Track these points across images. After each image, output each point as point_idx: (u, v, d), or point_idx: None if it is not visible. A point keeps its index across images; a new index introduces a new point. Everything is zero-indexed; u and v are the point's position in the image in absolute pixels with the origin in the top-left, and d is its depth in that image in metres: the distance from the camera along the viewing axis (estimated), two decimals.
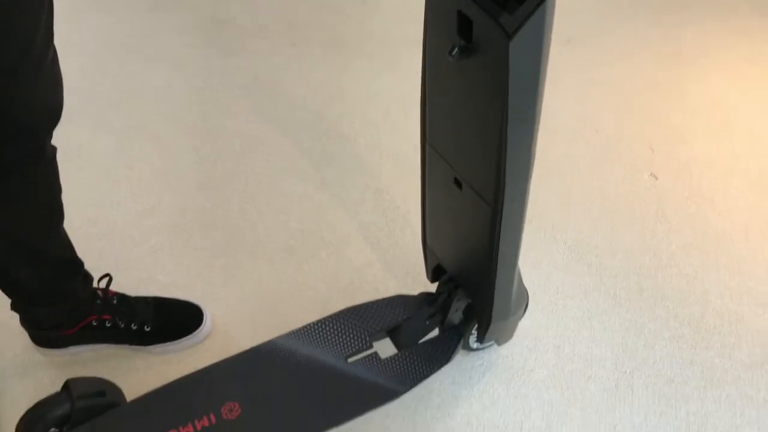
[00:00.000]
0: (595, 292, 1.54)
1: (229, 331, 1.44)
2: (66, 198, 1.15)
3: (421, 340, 1.30)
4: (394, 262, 1.58)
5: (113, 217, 1.66)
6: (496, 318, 1.18)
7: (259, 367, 1.25)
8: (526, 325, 1.47)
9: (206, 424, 1.16)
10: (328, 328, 1.27)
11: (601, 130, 1.94)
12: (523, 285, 1.28)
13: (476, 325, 1.30)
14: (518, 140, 0.86)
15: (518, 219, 1.01)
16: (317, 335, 1.26)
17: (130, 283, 1.43)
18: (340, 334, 1.27)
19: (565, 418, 1.32)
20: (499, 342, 1.34)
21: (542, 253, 1.61)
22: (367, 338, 1.27)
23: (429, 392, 1.35)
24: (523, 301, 1.27)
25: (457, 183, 1.03)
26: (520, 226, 1.03)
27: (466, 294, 1.26)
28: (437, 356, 1.28)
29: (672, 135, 1.94)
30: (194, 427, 1.15)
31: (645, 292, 1.54)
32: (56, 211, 1.14)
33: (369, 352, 1.27)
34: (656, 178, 1.81)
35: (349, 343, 1.26)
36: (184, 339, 1.38)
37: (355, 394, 1.22)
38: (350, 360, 1.26)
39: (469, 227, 1.11)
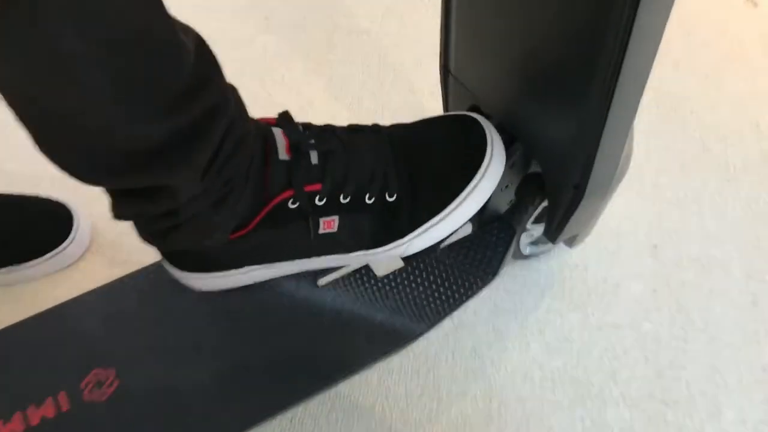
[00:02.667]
0: (698, 162, 0.99)
1: (119, 243, 0.87)
2: None
3: (446, 243, 0.75)
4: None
5: None
6: (593, 192, 0.63)
7: (165, 304, 0.70)
8: (604, 215, 0.92)
9: (49, 413, 0.61)
10: None
11: None
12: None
13: (541, 213, 0.76)
14: None
15: None
16: None
17: None
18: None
19: (680, 361, 0.79)
20: (577, 239, 0.79)
21: None
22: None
23: (456, 329, 0.81)
24: (627, 166, 0.72)
25: None
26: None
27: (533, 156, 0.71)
28: (473, 269, 0.73)
29: None
30: (25, 419, 0.60)
31: None
32: None
33: (357, 265, 0.73)
34: (755, 5, 1.24)
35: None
36: (40, 259, 0.81)
37: (335, 344, 0.68)
38: (321, 282, 0.72)
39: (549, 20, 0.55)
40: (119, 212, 0.56)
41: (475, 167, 0.66)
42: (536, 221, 0.78)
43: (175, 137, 0.49)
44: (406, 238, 0.68)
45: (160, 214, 0.56)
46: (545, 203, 0.74)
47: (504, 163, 0.68)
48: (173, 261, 0.67)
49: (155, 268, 0.73)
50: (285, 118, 0.64)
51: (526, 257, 0.85)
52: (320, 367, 0.69)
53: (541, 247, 0.85)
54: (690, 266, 0.87)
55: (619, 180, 0.69)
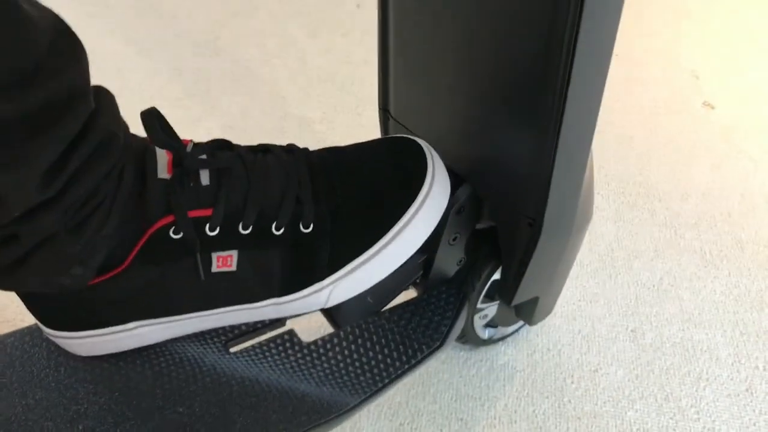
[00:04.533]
0: (671, 247, 0.93)
1: (20, 318, 0.75)
2: None
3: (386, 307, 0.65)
4: None
5: None
6: (551, 230, 0.55)
7: (36, 370, 0.58)
8: (574, 296, 0.84)
9: None
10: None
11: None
12: (592, 190, 0.65)
13: (494, 289, 0.67)
14: None
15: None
16: None
17: None
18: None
19: None
20: (538, 310, 0.69)
21: None
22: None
23: (413, 418, 0.69)
24: (589, 212, 0.64)
25: None
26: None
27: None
28: (417, 335, 0.63)
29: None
30: None
31: (747, 246, 0.93)
32: None
33: (278, 330, 0.62)
34: (713, 107, 1.24)
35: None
36: None
37: (244, 419, 0.55)
38: (234, 349, 0.60)
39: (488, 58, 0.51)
40: None
41: (412, 194, 0.55)
42: (488, 298, 0.69)
43: (3, 126, 0.38)
44: (326, 281, 0.56)
45: None
46: (498, 275, 0.66)
47: (448, 191, 0.57)
48: (45, 320, 0.53)
49: (29, 329, 0.61)
50: (154, 124, 0.49)
51: (485, 342, 0.75)
52: None
53: (501, 330, 0.75)
54: (673, 351, 0.78)
55: (581, 227, 0.61)
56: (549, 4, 0.44)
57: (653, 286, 0.86)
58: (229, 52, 1.29)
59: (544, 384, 0.73)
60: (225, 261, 0.52)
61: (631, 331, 0.80)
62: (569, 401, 0.71)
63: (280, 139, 1.03)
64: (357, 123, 1.11)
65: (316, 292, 0.56)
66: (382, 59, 0.65)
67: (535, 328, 0.78)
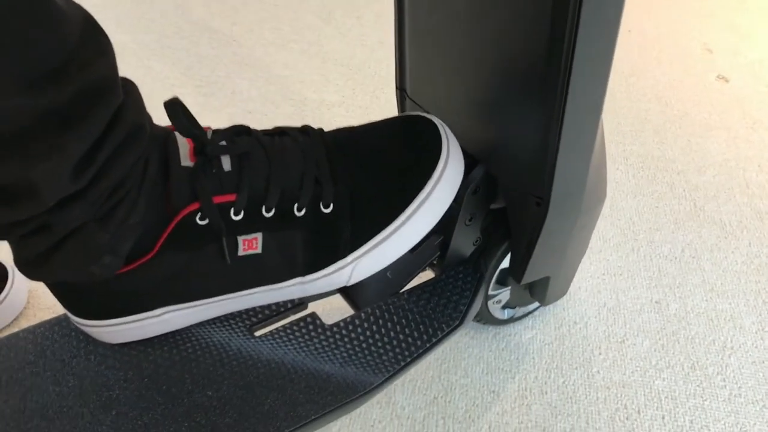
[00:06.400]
0: (691, 219, 0.94)
1: (57, 308, 0.77)
2: None
3: (405, 288, 0.67)
4: None
5: None
6: (558, 209, 0.56)
7: (67, 358, 0.59)
8: (598, 270, 0.85)
9: None
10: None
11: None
12: (605, 170, 0.66)
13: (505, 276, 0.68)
14: None
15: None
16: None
17: None
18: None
19: (701, 419, 0.69)
20: (550, 291, 0.71)
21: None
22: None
23: (446, 392, 0.71)
24: (602, 192, 0.65)
25: None
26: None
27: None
28: (437, 314, 0.64)
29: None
30: None
31: (766, 216, 0.94)
32: None
33: (301, 314, 0.63)
34: (727, 80, 1.24)
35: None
36: None
37: (272, 400, 0.57)
38: (258, 333, 0.62)
39: (502, 42, 0.51)
40: None
41: (428, 171, 0.56)
42: (500, 284, 0.70)
43: (39, 119, 0.39)
44: (348, 259, 0.57)
45: (31, 229, 0.44)
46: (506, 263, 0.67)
47: (462, 167, 0.58)
48: (74, 309, 0.54)
49: (58, 319, 0.62)
50: (178, 113, 0.49)
51: (507, 321, 0.77)
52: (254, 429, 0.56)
53: (520, 310, 0.77)
54: (697, 321, 0.79)
55: (592, 207, 0.62)
56: None
57: (675, 258, 0.87)
58: (246, 37, 1.30)
59: (572, 356, 0.75)
60: (251, 244, 0.53)
61: (656, 302, 0.81)
62: (598, 372, 0.73)
63: (300, 123, 1.05)
64: (375, 105, 1.12)
65: (339, 269, 0.57)
66: (398, 41, 0.65)
67: (561, 302, 0.80)
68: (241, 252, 0.53)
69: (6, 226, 0.44)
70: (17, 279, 0.75)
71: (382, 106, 1.12)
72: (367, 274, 0.59)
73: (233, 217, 0.51)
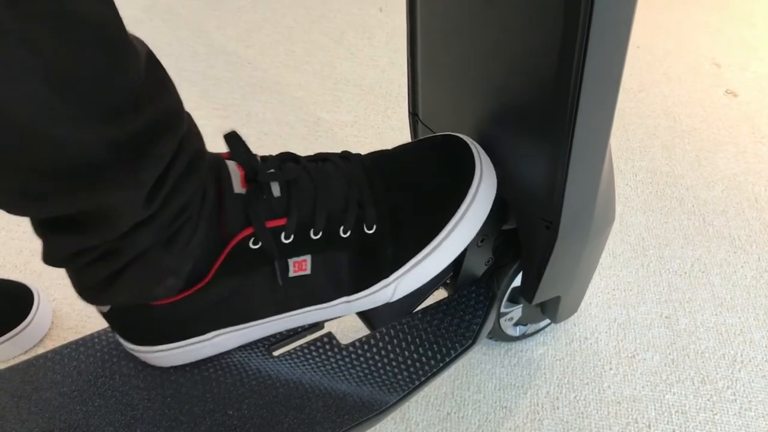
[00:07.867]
0: (700, 234, 0.95)
1: (81, 327, 0.79)
2: None
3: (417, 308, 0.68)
4: None
5: None
6: (568, 232, 0.58)
7: (91, 378, 0.61)
8: (608, 286, 0.86)
9: None
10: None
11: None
12: (613, 190, 0.68)
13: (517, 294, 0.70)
14: None
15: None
16: None
17: None
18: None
19: None
20: (562, 309, 0.72)
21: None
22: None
23: (459, 408, 0.73)
24: (611, 215, 0.67)
25: None
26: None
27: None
28: (450, 333, 0.66)
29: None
30: None
31: None
32: None
33: (317, 334, 0.65)
34: (735, 95, 1.25)
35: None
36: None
37: (290, 421, 0.59)
38: (277, 353, 0.64)
39: (512, 67, 0.53)
40: (51, 253, 0.46)
41: (464, 189, 0.58)
42: (511, 302, 0.72)
43: (116, 149, 0.41)
44: (391, 278, 0.59)
45: (98, 254, 0.46)
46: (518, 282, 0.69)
47: (495, 185, 0.60)
48: (126, 335, 0.56)
49: (84, 340, 0.64)
50: (237, 144, 0.53)
51: (520, 338, 0.78)
52: None
53: (531, 326, 0.78)
54: (707, 335, 0.80)
55: (601, 229, 0.63)
56: (561, 4, 0.46)
57: (684, 273, 0.89)
58: (260, 60, 1.33)
59: (583, 371, 0.76)
60: (300, 266, 0.56)
61: (666, 317, 0.83)
62: (609, 387, 0.74)
63: (314, 144, 1.07)
64: (387, 125, 1.14)
65: (383, 288, 0.60)
66: (411, 68, 0.68)
67: (571, 318, 0.81)
68: (291, 273, 0.56)
69: (71, 254, 0.46)
70: (42, 301, 0.77)
71: (394, 125, 1.14)
72: (410, 290, 0.61)
73: (284, 241, 0.54)
